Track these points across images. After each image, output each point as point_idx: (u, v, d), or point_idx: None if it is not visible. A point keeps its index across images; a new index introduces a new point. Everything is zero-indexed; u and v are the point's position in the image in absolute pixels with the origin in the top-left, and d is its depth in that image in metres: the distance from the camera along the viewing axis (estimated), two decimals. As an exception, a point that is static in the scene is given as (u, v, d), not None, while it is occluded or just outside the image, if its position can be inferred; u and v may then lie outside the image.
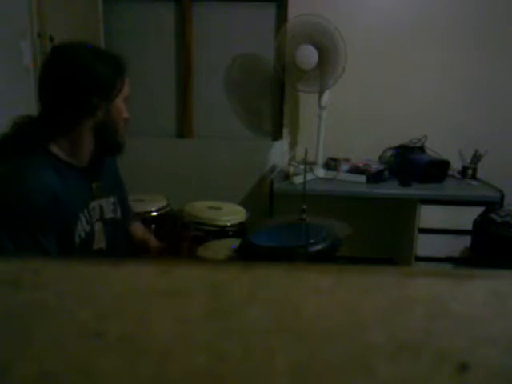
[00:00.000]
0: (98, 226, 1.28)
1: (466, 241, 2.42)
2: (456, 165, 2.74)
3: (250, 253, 1.49)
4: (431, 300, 0.30)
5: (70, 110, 1.17)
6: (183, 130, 3.06)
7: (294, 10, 2.74)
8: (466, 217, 2.39)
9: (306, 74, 2.59)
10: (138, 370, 0.23)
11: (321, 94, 2.61)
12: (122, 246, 1.39)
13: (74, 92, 1.16)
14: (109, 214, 1.33)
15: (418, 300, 0.30)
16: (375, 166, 2.65)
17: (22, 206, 1.07)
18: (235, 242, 1.79)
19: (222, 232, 2.11)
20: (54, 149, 1.18)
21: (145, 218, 2.14)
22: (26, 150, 1.14)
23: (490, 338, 0.27)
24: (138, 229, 1.58)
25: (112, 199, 1.35)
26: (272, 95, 3.02)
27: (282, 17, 2.86)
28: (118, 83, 1.21)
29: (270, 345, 0.25)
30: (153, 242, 1.53)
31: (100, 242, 1.29)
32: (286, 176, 2.63)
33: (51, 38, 2.26)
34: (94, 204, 1.27)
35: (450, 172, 2.70)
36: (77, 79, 1.16)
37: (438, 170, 2.63)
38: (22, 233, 1.07)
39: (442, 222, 2.48)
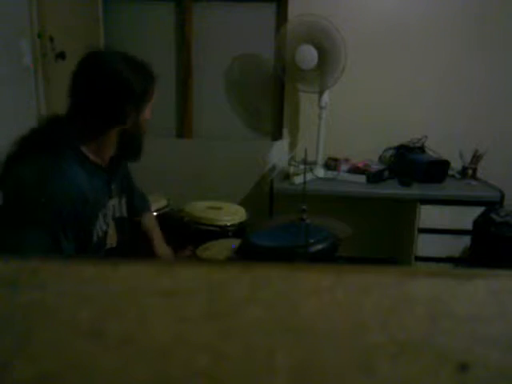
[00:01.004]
0: (111, 225, 1.31)
1: (466, 241, 2.42)
2: (456, 165, 2.74)
3: (249, 253, 1.49)
4: (431, 300, 0.30)
5: (101, 116, 1.19)
6: (183, 129, 3.06)
7: (294, 10, 2.74)
8: (466, 217, 2.39)
9: (306, 73, 2.59)
10: (138, 370, 0.23)
11: (321, 94, 2.61)
12: (129, 243, 1.42)
13: (108, 100, 1.18)
14: (118, 213, 1.35)
15: (418, 300, 0.30)
16: (375, 166, 2.65)
17: (50, 203, 1.08)
18: (235, 242, 1.79)
19: (222, 232, 2.11)
20: (83, 148, 1.20)
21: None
22: (57, 147, 1.15)
23: (490, 338, 0.27)
24: (148, 220, 1.59)
25: (124, 199, 1.38)
26: (272, 95, 3.02)
27: (282, 17, 2.86)
28: (149, 93, 1.25)
29: (270, 345, 0.25)
30: (157, 240, 1.54)
31: (112, 241, 1.32)
32: (286, 176, 2.63)
33: (51, 38, 2.26)
34: (110, 203, 1.30)
35: (450, 172, 2.69)
36: (111, 88, 1.18)
37: (438, 170, 2.63)
38: (44, 230, 1.07)
39: (442, 222, 2.48)
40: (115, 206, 1.33)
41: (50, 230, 1.07)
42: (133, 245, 1.44)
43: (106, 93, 1.17)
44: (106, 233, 1.26)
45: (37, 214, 1.07)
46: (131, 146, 1.27)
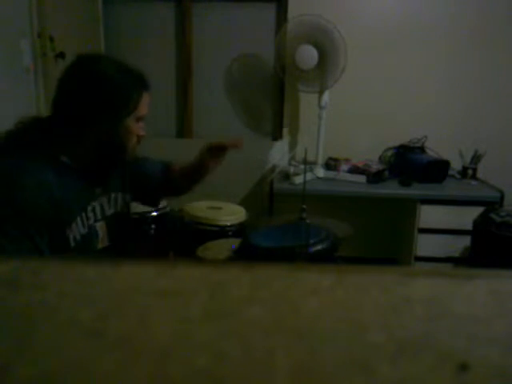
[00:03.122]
0: (101, 226, 1.28)
1: (466, 241, 2.42)
2: (456, 165, 2.74)
3: (249, 253, 1.49)
4: (431, 300, 0.30)
5: (78, 119, 1.17)
6: (183, 130, 3.06)
7: (294, 10, 2.74)
8: (466, 217, 2.39)
9: (306, 73, 2.60)
10: (138, 370, 0.23)
11: (321, 93, 2.61)
12: (127, 240, 1.39)
13: (82, 104, 1.15)
14: (110, 211, 1.32)
15: (418, 300, 0.30)
16: (375, 166, 2.66)
17: (19, 204, 1.07)
18: (235, 242, 1.79)
19: (221, 232, 2.11)
20: (57, 151, 1.18)
21: (145, 218, 2.14)
22: (28, 149, 1.13)
23: (489, 337, 0.27)
24: (176, 166, 1.64)
25: (114, 195, 1.34)
26: (272, 95, 3.02)
27: (281, 17, 2.86)
28: (132, 103, 1.19)
29: (270, 345, 0.25)
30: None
31: (103, 241, 1.29)
32: (286, 176, 2.63)
33: (51, 38, 2.26)
34: (95, 204, 1.26)
35: (450, 172, 2.70)
36: (87, 92, 1.15)
37: (438, 170, 2.63)
38: (19, 232, 1.06)
39: (442, 222, 2.48)
40: (103, 204, 1.29)
41: (25, 233, 1.06)
42: (128, 243, 1.41)
43: (79, 96, 1.15)
44: (88, 236, 1.23)
45: (7, 217, 1.05)
46: (110, 157, 1.24)
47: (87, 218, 1.23)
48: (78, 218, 1.20)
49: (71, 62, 1.19)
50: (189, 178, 1.64)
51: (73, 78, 1.17)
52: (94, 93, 1.15)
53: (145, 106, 1.23)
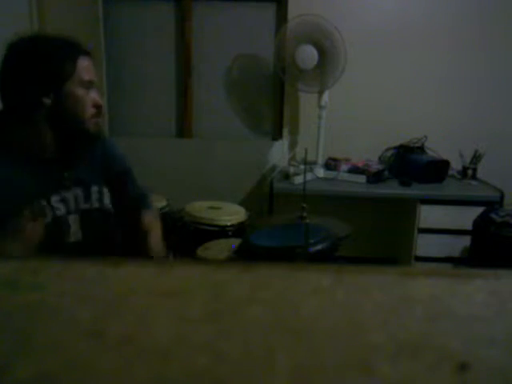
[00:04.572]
0: (73, 218, 1.24)
1: (466, 241, 2.42)
2: (456, 165, 2.74)
3: (249, 253, 1.49)
4: (431, 300, 0.30)
5: (16, 100, 1.15)
6: (183, 130, 3.06)
7: (294, 10, 2.74)
8: (466, 217, 2.39)
9: (306, 73, 2.60)
10: (138, 370, 0.23)
11: (321, 93, 2.61)
12: (104, 237, 1.33)
13: (17, 81, 1.14)
14: (85, 205, 1.27)
15: (418, 300, 0.30)
16: (375, 166, 2.66)
17: None
18: (235, 242, 1.79)
19: (221, 232, 2.11)
20: (11, 139, 1.16)
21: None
22: None
23: (490, 338, 0.27)
24: (148, 221, 1.48)
25: (95, 188, 1.29)
26: (272, 95, 3.02)
27: (281, 17, 2.86)
28: (66, 67, 1.15)
29: (270, 345, 0.25)
30: (154, 239, 1.46)
31: (76, 234, 1.25)
32: (286, 176, 2.63)
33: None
34: (65, 195, 1.23)
35: (450, 172, 2.70)
36: (17, 68, 1.14)
37: (437, 169, 2.63)
38: None
39: (441, 222, 2.48)
40: (78, 197, 1.26)
41: None
42: (103, 240, 1.33)
43: (12, 74, 1.14)
44: (52, 226, 1.19)
45: None
46: (66, 130, 1.20)
47: (52, 208, 1.19)
48: (36, 205, 1.16)
49: (4, 51, 1.17)
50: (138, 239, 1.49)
51: (6, 62, 1.15)
52: (25, 68, 1.14)
53: (86, 70, 1.19)
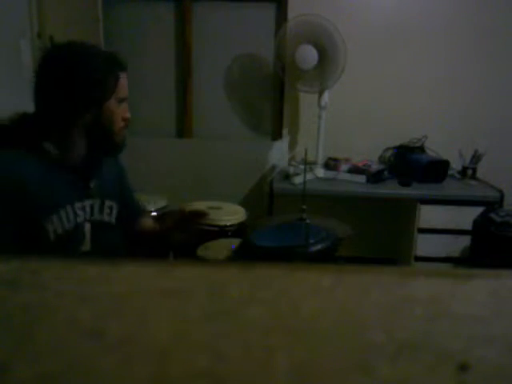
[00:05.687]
0: (87, 227, 1.26)
1: (466, 241, 2.42)
2: (456, 165, 2.74)
3: (249, 253, 1.49)
4: (431, 300, 0.30)
5: (58, 110, 1.17)
6: (183, 130, 3.06)
7: (294, 10, 2.74)
8: (466, 217, 2.39)
9: (306, 73, 2.60)
10: (138, 370, 0.23)
11: (321, 93, 2.61)
12: (110, 251, 1.34)
13: (62, 93, 1.15)
14: (98, 216, 1.29)
15: (418, 300, 0.30)
16: (375, 166, 2.66)
17: None
18: (235, 242, 1.79)
19: (221, 232, 2.11)
20: (46, 145, 1.18)
21: (145, 218, 2.14)
22: (13, 142, 1.14)
23: (490, 338, 0.27)
24: (146, 222, 1.54)
25: (109, 203, 1.32)
26: (272, 95, 3.02)
27: (281, 17, 2.86)
28: (110, 84, 1.19)
29: (270, 345, 0.25)
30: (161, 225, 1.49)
31: (87, 244, 1.26)
32: (286, 176, 2.63)
33: (51, 38, 2.26)
34: (86, 203, 1.25)
35: (450, 172, 2.70)
36: (64, 81, 1.15)
37: (437, 170, 2.63)
38: None
39: (441, 222, 2.48)
40: (94, 207, 1.28)
41: None
42: (110, 253, 1.34)
43: (58, 85, 1.15)
44: (72, 233, 1.20)
45: None
46: (100, 142, 1.24)
47: (75, 215, 1.21)
48: (62, 212, 1.18)
49: (42, 56, 1.18)
50: (150, 241, 1.54)
51: (48, 71, 1.16)
52: (70, 82, 1.15)
53: (124, 86, 1.23)
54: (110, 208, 1.33)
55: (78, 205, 1.22)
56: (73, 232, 1.21)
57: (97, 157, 1.27)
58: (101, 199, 1.30)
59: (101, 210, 1.30)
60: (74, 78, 1.15)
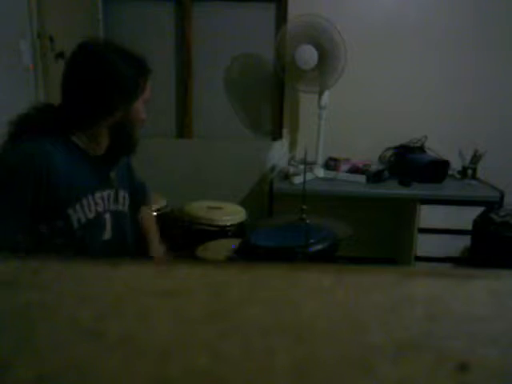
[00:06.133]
0: (108, 216, 1.30)
1: (466, 241, 2.42)
2: (456, 165, 2.74)
3: (249, 253, 1.49)
4: (431, 300, 0.30)
5: (88, 106, 1.20)
6: (183, 130, 3.06)
7: (294, 10, 2.74)
8: (466, 217, 2.39)
9: (306, 73, 2.60)
10: (138, 370, 0.23)
11: (321, 93, 2.61)
12: (127, 239, 1.39)
13: (95, 91, 1.19)
14: (114, 206, 1.34)
15: (418, 300, 0.30)
16: (375, 166, 2.66)
17: (11, 170, 1.11)
18: (235, 242, 1.79)
19: (221, 232, 2.11)
20: (74, 138, 1.22)
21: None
22: (40, 130, 1.17)
23: (490, 337, 0.27)
24: (146, 219, 1.57)
25: (122, 193, 1.37)
26: (272, 95, 3.02)
27: (281, 17, 2.86)
28: (140, 86, 1.25)
29: (270, 345, 0.25)
30: (154, 243, 1.52)
31: (108, 233, 1.31)
32: (286, 176, 2.63)
33: (51, 38, 2.26)
34: (104, 193, 1.29)
35: (450, 172, 2.69)
36: (99, 79, 1.19)
37: (437, 170, 2.63)
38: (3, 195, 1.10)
39: (441, 222, 2.48)
40: (111, 197, 1.32)
41: (8, 196, 1.09)
42: (127, 241, 1.40)
43: (93, 83, 1.18)
44: (94, 222, 1.24)
45: (9, 186, 1.10)
46: (123, 140, 1.28)
47: (95, 204, 1.25)
48: (84, 200, 1.21)
49: (74, 51, 1.22)
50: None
51: (80, 67, 1.20)
52: (103, 81, 1.19)
53: (149, 89, 1.30)
54: (124, 198, 1.38)
55: (97, 194, 1.26)
56: (95, 221, 1.25)
57: (119, 150, 1.31)
58: (116, 189, 1.34)
59: (116, 200, 1.34)
60: (111, 76, 1.19)
